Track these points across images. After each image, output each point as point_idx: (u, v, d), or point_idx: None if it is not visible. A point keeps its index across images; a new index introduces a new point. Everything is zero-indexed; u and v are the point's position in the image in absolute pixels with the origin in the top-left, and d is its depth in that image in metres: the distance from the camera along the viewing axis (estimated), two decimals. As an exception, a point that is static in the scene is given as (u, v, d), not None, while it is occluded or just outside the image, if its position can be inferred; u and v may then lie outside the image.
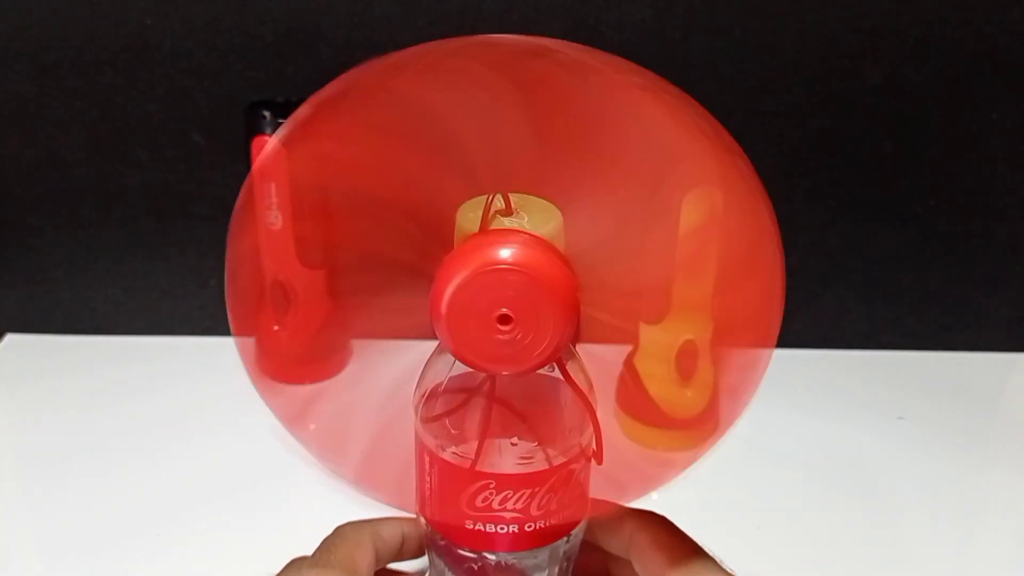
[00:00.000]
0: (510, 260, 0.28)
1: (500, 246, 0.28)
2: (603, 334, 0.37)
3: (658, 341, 0.53)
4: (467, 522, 0.33)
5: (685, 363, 0.53)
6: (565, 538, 0.35)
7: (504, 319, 0.28)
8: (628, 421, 0.55)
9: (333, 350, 0.61)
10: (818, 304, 0.64)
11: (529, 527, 0.33)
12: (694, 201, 0.46)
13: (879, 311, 0.64)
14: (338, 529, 0.37)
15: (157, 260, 0.64)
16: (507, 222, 0.30)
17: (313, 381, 0.60)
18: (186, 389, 0.60)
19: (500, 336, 0.28)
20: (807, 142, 0.59)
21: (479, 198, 0.30)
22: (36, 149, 0.61)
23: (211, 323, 0.66)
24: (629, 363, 0.55)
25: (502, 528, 0.33)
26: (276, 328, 0.59)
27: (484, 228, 0.30)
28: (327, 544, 0.36)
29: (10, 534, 0.48)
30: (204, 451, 0.54)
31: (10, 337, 0.66)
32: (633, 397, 0.54)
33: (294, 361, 0.60)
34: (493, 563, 0.34)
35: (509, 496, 0.32)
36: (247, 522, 0.48)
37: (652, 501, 0.50)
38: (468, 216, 0.30)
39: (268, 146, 0.36)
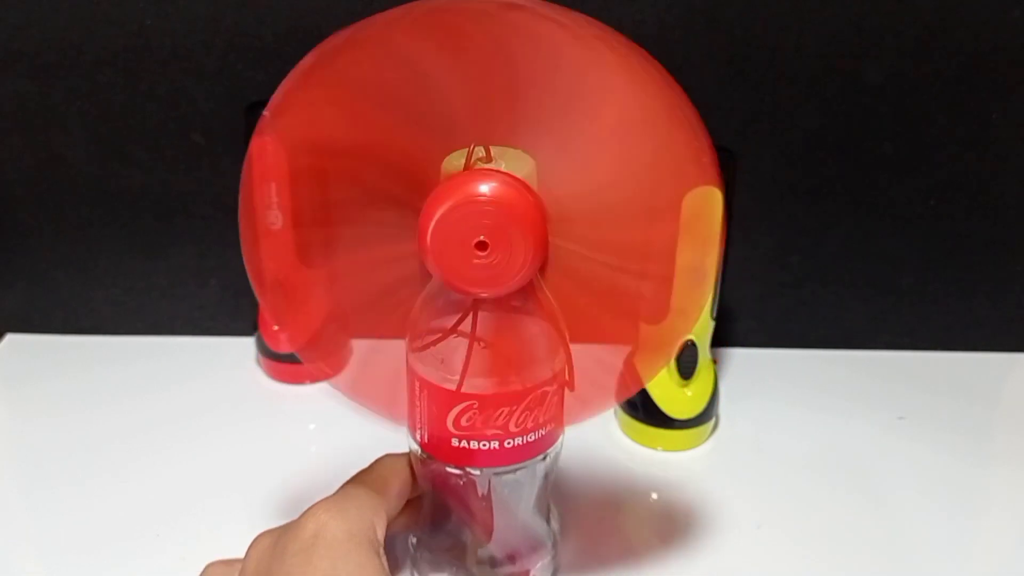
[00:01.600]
0: (486, 194, 0.32)
1: (478, 182, 0.32)
2: (599, 332, 0.40)
3: (658, 341, 0.53)
4: (453, 440, 0.37)
5: (685, 363, 0.53)
6: (542, 456, 0.39)
7: (481, 245, 0.32)
8: (628, 421, 0.55)
9: (333, 350, 0.61)
10: (818, 304, 0.64)
11: (508, 443, 0.37)
12: (697, 199, 0.46)
13: (879, 311, 0.64)
14: (380, 457, 0.41)
15: (157, 260, 0.64)
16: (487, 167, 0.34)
17: (313, 381, 0.61)
18: (186, 389, 0.60)
19: (478, 261, 0.33)
20: (807, 142, 0.59)
21: (464, 149, 0.34)
22: (36, 149, 0.61)
23: (211, 323, 0.66)
24: (629, 363, 0.55)
25: (484, 444, 0.37)
26: (276, 328, 0.59)
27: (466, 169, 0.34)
28: (367, 467, 0.41)
29: (9, 534, 0.48)
30: (204, 451, 0.54)
31: (10, 337, 0.66)
32: (635, 398, 0.54)
33: (295, 362, 0.60)
34: (477, 479, 0.39)
35: (490, 415, 0.36)
36: (247, 522, 0.48)
37: (652, 500, 0.51)
38: (454, 163, 0.34)
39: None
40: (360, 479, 0.40)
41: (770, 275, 0.64)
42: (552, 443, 0.40)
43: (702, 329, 0.53)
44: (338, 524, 0.35)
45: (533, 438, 0.38)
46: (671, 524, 0.49)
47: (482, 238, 0.32)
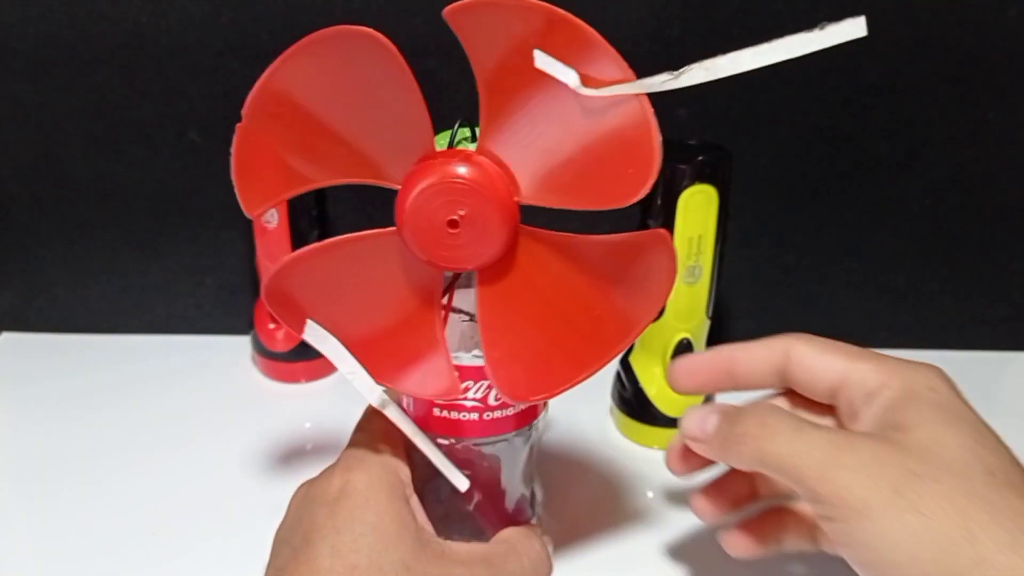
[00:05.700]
0: (458, 175, 0.33)
1: (452, 163, 0.34)
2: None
3: (655, 340, 0.53)
4: (435, 410, 0.39)
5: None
6: (526, 428, 0.41)
7: (453, 224, 0.34)
8: (626, 420, 0.55)
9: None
10: (816, 304, 0.64)
11: (488, 416, 0.39)
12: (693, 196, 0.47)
13: (875, 310, 0.65)
14: (368, 414, 0.42)
15: (153, 258, 0.64)
16: (471, 146, 0.35)
17: (309, 380, 0.61)
18: (181, 388, 0.60)
19: (450, 238, 0.34)
20: (805, 141, 0.59)
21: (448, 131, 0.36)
22: (31, 147, 0.60)
23: (207, 321, 0.65)
24: (627, 363, 0.55)
25: (464, 415, 0.39)
26: (273, 328, 0.59)
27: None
28: (364, 421, 0.42)
29: (6, 533, 0.47)
30: (199, 450, 0.54)
31: (6, 336, 0.66)
32: (631, 397, 0.54)
33: (291, 361, 0.60)
34: (459, 447, 0.40)
35: (470, 386, 0.38)
36: (244, 522, 0.48)
37: (648, 499, 0.51)
38: (441, 143, 0.35)
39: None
40: (364, 427, 0.41)
41: (766, 274, 0.64)
42: (532, 418, 0.41)
43: (698, 328, 0.53)
44: (360, 477, 0.37)
45: (511, 412, 0.39)
46: (667, 523, 0.49)
47: (454, 217, 0.34)
